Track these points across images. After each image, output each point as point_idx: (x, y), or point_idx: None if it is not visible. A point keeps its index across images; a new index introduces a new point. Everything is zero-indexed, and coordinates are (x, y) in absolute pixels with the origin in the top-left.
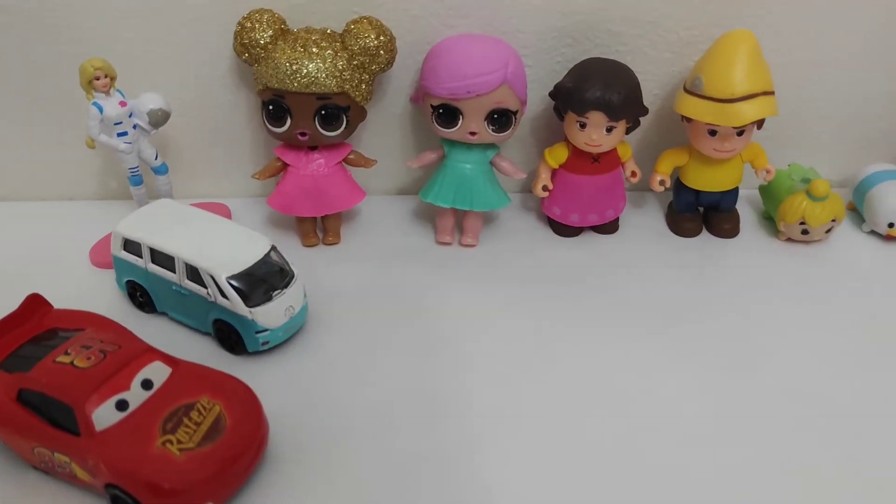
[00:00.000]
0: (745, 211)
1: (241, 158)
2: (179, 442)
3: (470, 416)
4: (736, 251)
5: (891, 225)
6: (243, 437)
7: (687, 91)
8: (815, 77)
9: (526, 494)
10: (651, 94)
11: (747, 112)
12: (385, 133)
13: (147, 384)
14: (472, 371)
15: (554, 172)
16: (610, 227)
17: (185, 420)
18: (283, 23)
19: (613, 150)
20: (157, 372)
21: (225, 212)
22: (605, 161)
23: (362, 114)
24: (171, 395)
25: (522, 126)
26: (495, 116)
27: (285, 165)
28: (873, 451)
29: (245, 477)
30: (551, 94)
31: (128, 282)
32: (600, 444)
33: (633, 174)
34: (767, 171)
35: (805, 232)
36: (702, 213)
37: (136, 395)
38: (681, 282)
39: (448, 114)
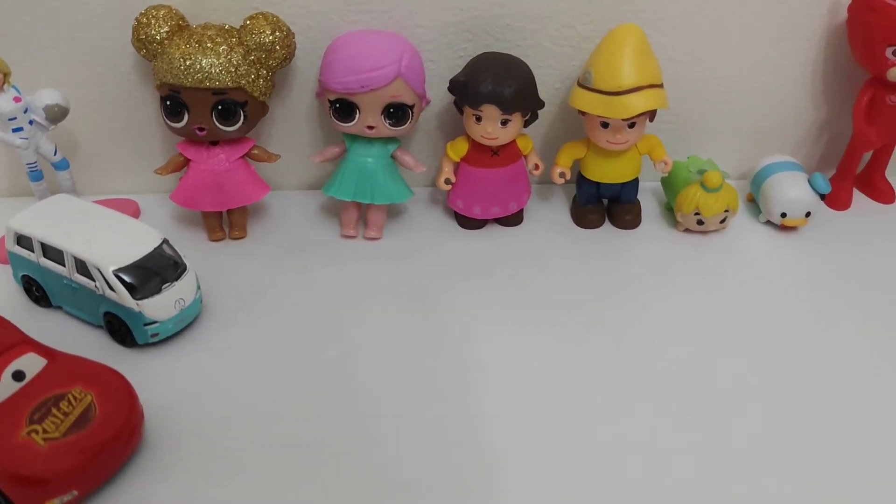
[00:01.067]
0: (650, 203)
1: (149, 154)
2: (45, 432)
3: (352, 406)
4: (637, 242)
5: (784, 215)
6: (113, 426)
7: (579, 85)
8: (711, 71)
9: (402, 476)
10: (553, 88)
11: (634, 104)
12: (292, 128)
13: (19, 375)
14: (362, 363)
15: (457, 166)
16: (514, 220)
17: (54, 410)
18: (182, 19)
19: (513, 144)
20: (31, 363)
21: (133, 208)
22: (505, 154)
23: (262, 109)
24: (43, 387)
25: (429, 120)
26: (391, 110)
27: (187, 161)
28: (764, 432)
29: (115, 466)
30: (449, 89)
31: (23, 276)
32: (501, 434)
33: (536, 167)
34: (665, 163)
35: (700, 222)
36: (605, 204)
37: (5, 387)
38: (582, 273)
39: (345, 108)
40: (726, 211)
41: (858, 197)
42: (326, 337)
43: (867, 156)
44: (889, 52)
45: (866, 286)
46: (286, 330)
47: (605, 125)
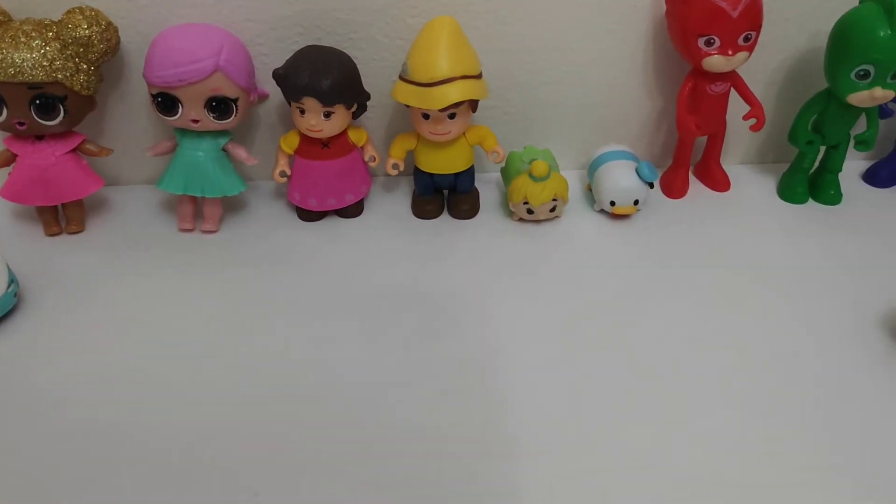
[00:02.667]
0: (493, 193)
1: None
2: None
3: (175, 403)
4: (472, 232)
5: (613, 203)
6: None
7: (399, 77)
8: (544, 62)
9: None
10: (390, 81)
11: (448, 95)
12: (129, 122)
13: None
14: (186, 357)
15: (293, 158)
16: (353, 211)
17: None
18: (3, 14)
19: (344, 135)
20: None
21: None
22: (337, 146)
23: (87, 103)
24: None
25: (269, 113)
26: (214, 104)
27: (14, 155)
28: (601, 420)
29: None
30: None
31: None
32: (324, 428)
33: (374, 159)
34: (496, 153)
35: (530, 211)
36: (446, 195)
37: None
38: (416, 263)
39: (167, 102)
40: (554, 200)
41: (697, 186)
42: (150, 331)
43: (703, 144)
44: (701, 42)
45: (689, 271)
46: (107, 323)
47: (426, 116)
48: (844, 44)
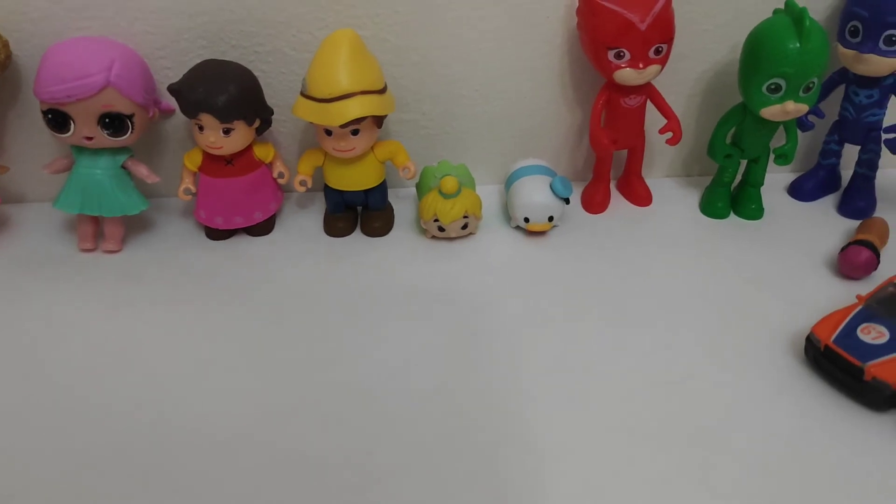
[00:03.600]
0: (410, 209)
1: None
2: None
3: (71, 425)
4: (385, 250)
5: (527, 220)
6: None
7: (300, 92)
8: (459, 75)
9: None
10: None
11: (346, 111)
12: (32, 138)
13: None
14: (86, 379)
15: (198, 176)
16: (262, 229)
17: None
18: None
19: (248, 152)
20: None
21: None
22: (241, 163)
23: None
24: None
25: (178, 129)
26: (107, 120)
27: None
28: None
29: None
30: None
31: None
32: (210, 455)
33: (282, 175)
34: (407, 169)
35: (441, 229)
36: (360, 212)
37: None
38: (322, 283)
39: (57, 118)
40: (466, 217)
41: (619, 200)
42: (38, 354)
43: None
44: (611, 54)
45: (601, 288)
46: None
47: (328, 132)
48: (755, 57)
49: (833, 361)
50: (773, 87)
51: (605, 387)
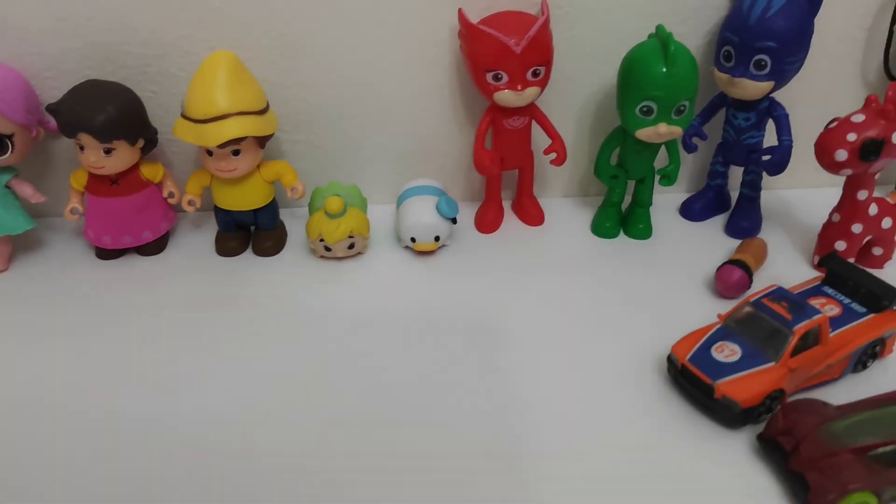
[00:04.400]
0: (303, 228)
1: None
2: None
3: None
4: (273, 269)
5: (413, 239)
6: None
7: (181, 113)
8: (349, 97)
9: None
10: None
11: (223, 131)
12: None
13: None
14: None
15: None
16: (153, 248)
17: None
18: None
19: (135, 171)
20: None
21: None
22: (127, 182)
23: None
24: None
25: (68, 148)
26: None
27: None
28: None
29: None
30: None
31: None
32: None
33: (172, 195)
34: (295, 189)
35: (327, 248)
36: (253, 231)
37: None
38: (208, 302)
39: None
40: (351, 237)
41: (513, 220)
42: None
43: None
44: (490, 77)
45: (477, 306)
46: None
47: (210, 153)
48: (627, 81)
49: (689, 380)
50: (645, 109)
51: (470, 404)
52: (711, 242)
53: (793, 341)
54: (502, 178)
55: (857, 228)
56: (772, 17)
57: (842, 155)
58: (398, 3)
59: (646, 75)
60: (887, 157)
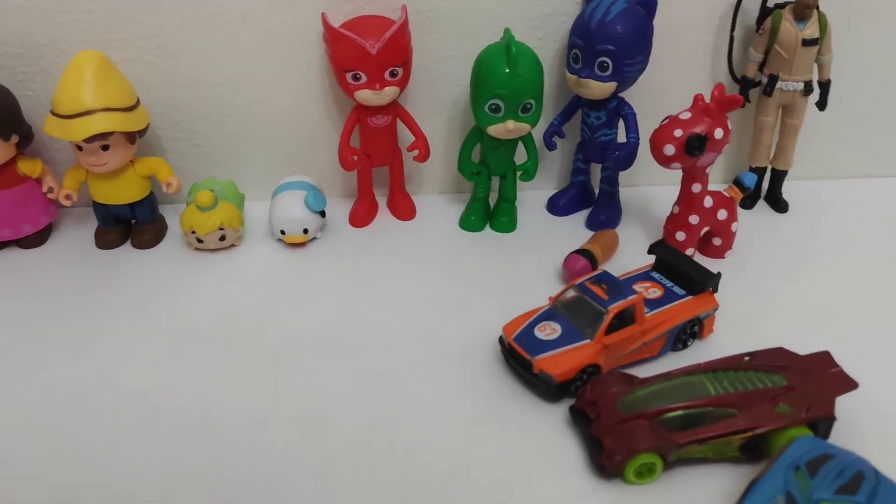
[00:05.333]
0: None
1: None
2: None
3: None
4: (149, 262)
5: (283, 232)
6: None
7: (50, 110)
8: (224, 96)
9: None
10: None
11: (87, 126)
12: None
13: None
14: None
15: None
16: (33, 241)
17: None
18: None
19: (11, 167)
20: None
21: None
22: (3, 177)
23: None
24: None
25: None
26: None
27: None
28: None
29: None
30: None
31: None
32: None
33: (52, 189)
34: (169, 184)
35: (199, 240)
36: (133, 223)
37: None
38: (84, 294)
39: None
40: (222, 229)
41: (386, 215)
42: None
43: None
44: (349, 76)
45: (334, 296)
46: None
47: (80, 148)
48: (477, 80)
49: (514, 357)
50: (493, 107)
51: (323, 384)
52: (571, 236)
53: (607, 320)
54: (373, 174)
55: (693, 220)
56: (610, 22)
57: (669, 150)
58: (271, 7)
59: (491, 75)
60: (712, 151)
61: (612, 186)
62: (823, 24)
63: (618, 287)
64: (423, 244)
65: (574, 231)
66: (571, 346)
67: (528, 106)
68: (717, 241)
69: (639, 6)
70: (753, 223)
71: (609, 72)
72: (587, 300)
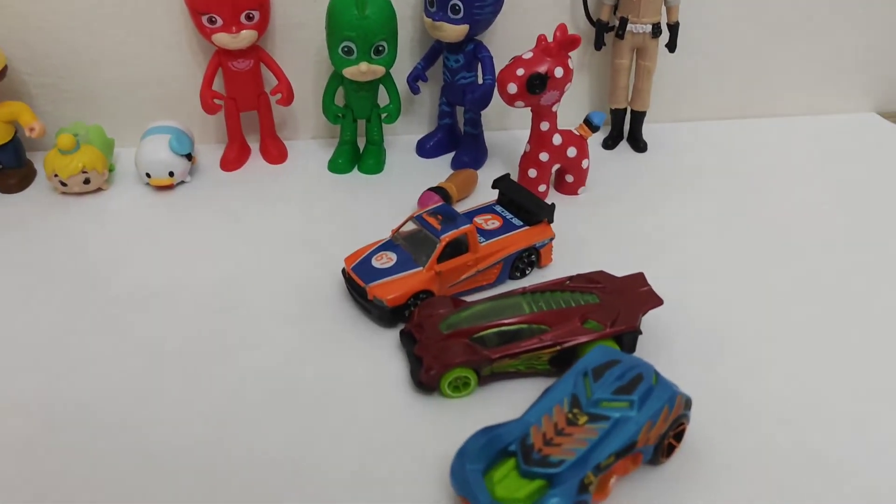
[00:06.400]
0: None
1: None
2: None
3: None
4: (17, 206)
5: (148, 175)
6: None
7: None
8: (86, 42)
9: None
10: None
11: None
12: None
13: None
14: None
15: None
16: None
17: None
18: None
19: None
20: None
21: None
22: None
23: None
24: None
25: None
26: None
27: None
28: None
29: None
30: None
31: None
32: None
33: None
34: (31, 129)
35: (63, 184)
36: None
37: None
38: None
39: None
40: (85, 171)
41: (258, 159)
42: None
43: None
44: (205, 19)
45: (202, 238)
46: None
47: None
48: (329, 23)
49: (352, 286)
50: (345, 49)
51: (176, 324)
52: (437, 176)
53: (439, 248)
54: (246, 119)
55: (543, 157)
56: None
57: (512, 88)
58: None
59: (341, 17)
60: (553, 89)
61: (476, 128)
62: None
63: (452, 218)
64: (291, 187)
65: (440, 172)
66: (405, 274)
67: (381, 48)
68: (569, 178)
69: None
70: (613, 162)
71: (461, 14)
72: (423, 231)
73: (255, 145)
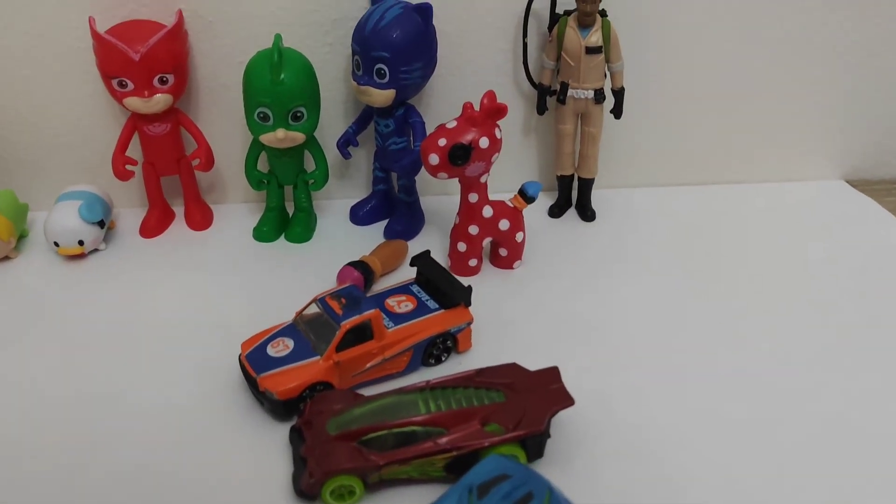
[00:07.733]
0: None
1: None
2: None
3: None
4: None
5: (56, 244)
6: None
7: None
8: (6, 103)
9: None
10: None
11: None
12: None
13: None
14: None
15: None
16: None
17: None
18: None
19: None
20: None
21: None
22: None
23: None
24: None
25: None
26: None
27: None
28: None
29: None
30: None
31: None
32: None
33: None
34: None
35: None
36: None
37: None
38: None
39: None
40: None
41: (182, 225)
42: None
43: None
44: (115, 83)
45: (109, 313)
46: None
47: None
48: (245, 88)
49: (245, 374)
50: (261, 115)
51: (40, 398)
52: (369, 246)
53: (338, 336)
54: (165, 182)
55: (473, 230)
56: (384, 27)
57: (434, 159)
58: (39, 12)
59: (255, 83)
60: (479, 160)
61: (410, 195)
62: (607, 33)
63: (357, 301)
64: (211, 256)
65: (374, 241)
66: (300, 364)
67: (299, 114)
68: (503, 252)
69: (414, 13)
70: (557, 232)
71: (386, 79)
72: (325, 315)
73: (180, 209)
